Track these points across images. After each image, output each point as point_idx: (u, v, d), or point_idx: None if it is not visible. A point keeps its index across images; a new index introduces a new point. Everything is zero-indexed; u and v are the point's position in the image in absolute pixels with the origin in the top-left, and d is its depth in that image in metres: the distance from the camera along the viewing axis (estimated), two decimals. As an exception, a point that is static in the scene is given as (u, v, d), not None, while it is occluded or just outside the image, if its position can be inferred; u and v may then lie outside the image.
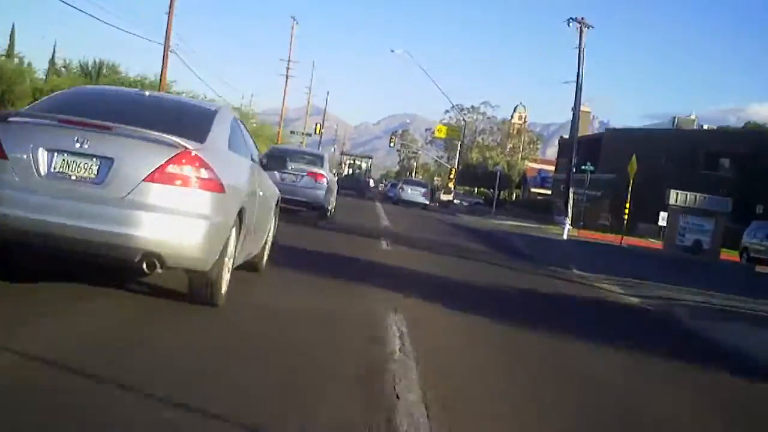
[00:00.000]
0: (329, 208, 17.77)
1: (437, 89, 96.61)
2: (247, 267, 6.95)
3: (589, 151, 41.67)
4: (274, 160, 19.00)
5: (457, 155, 60.64)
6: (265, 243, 7.41)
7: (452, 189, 70.55)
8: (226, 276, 5.45)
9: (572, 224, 35.64)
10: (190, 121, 5.61)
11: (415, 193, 40.93)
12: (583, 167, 36.10)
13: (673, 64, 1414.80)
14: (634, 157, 27.32)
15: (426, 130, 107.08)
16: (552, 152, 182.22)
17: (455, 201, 57.61)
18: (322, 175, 16.97)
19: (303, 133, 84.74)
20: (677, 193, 25.05)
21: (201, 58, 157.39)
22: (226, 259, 5.31)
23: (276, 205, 7.83)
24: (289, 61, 75.82)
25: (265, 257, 7.62)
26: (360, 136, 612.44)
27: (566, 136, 56.51)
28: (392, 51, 51.17)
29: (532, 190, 68.21)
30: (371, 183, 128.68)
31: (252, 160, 6.60)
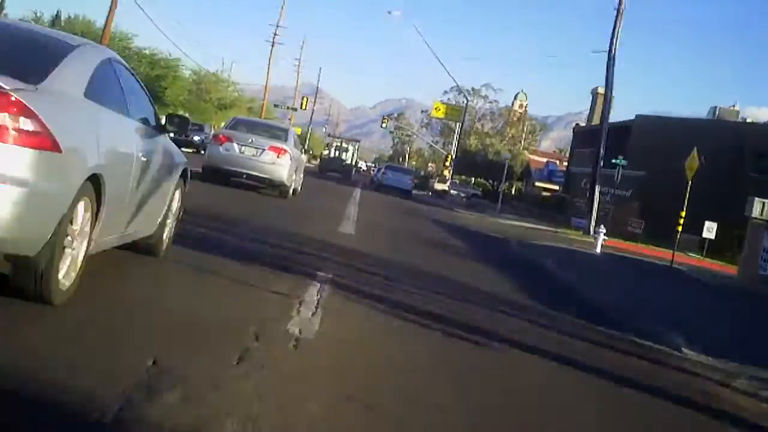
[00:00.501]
0: (291, 186, 16.63)
1: (434, 71, 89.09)
2: (144, 250, 5.89)
3: (611, 141, 34.08)
4: (234, 131, 16.48)
5: (455, 140, 53.31)
6: (164, 221, 6.02)
7: (448, 178, 64.09)
8: (70, 265, 4.12)
9: (596, 229, 28.84)
10: (32, 57, 4.34)
11: (398, 180, 37.84)
12: (613, 160, 28.96)
13: (670, 62, 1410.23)
14: (695, 151, 20.33)
15: (422, 112, 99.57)
16: (547, 145, 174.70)
17: (451, 191, 50.72)
18: (285, 151, 15.99)
19: (289, 108, 77.12)
20: (764, 203, 18.06)
21: (179, 18, 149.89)
22: (68, 244, 4.04)
23: (182, 176, 6.36)
24: (277, 26, 68.45)
25: (166, 239, 6.17)
26: (356, 118, 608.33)
27: (582, 124, 49.53)
28: (389, 12, 44.01)
29: (537, 184, 61.08)
30: (363, 166, 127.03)
31: (143, 120, 5.36)
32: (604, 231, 20.61)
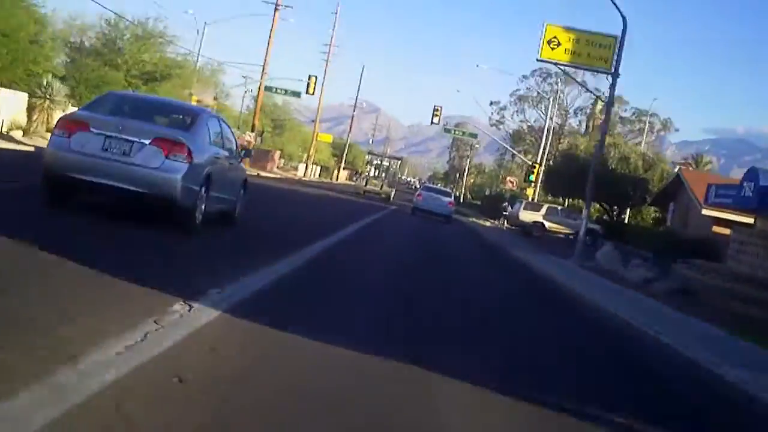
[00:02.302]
0: (200, 210, 9.44)
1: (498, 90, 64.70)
2: None
3: None
4: (96, 114, 9.48)
5: (587, 124, 27.19)
6: None
7: (539, 202, 38.70)
8: None
9: None
10: None
11: (434, 203, 32.67)
12: None
13: (734, 76, 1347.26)
14: None
15: (491, 103, 73.70)
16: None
17: (556, 228, 24.98)
18: (182, 145, 8.87)
19: (291, 93, 51.49)
20: None
21: None
22: None
23: None
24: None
25: None
26: (413, 135, 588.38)
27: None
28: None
29: (705, 212, 34.42)
30: (417, 183, 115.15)
31: None
32: None
